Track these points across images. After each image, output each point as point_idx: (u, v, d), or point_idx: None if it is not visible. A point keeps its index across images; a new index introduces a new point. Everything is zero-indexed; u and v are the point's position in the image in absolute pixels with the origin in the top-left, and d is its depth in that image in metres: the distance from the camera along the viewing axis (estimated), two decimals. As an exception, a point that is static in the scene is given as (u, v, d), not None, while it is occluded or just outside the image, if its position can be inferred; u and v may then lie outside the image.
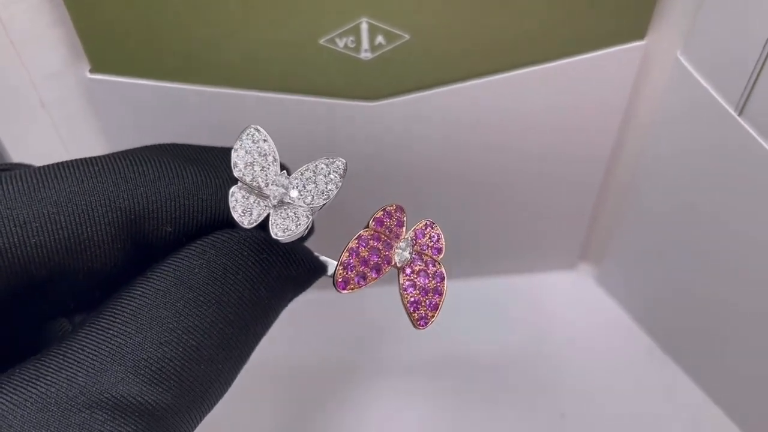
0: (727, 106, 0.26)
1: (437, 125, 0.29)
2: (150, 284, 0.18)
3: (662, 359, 0.36)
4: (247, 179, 0.19)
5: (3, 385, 0.17)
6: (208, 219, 0.19)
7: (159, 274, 0.18)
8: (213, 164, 0.20)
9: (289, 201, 0.19)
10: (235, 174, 0.19)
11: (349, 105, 0.28)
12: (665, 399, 0.35)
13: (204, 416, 0.19)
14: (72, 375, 0.17)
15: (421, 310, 0.19)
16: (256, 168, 0.19)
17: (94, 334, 0.17)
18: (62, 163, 0.18)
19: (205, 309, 0.18)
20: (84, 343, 0.17)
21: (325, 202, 0.19)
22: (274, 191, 0.19)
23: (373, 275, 0.19)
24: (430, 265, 0.19)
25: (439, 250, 0.20)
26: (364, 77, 0.27)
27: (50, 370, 0.17)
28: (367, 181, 0.32)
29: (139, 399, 0.17)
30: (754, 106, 0.25)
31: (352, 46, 0.26)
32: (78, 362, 0.17)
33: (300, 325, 0.36)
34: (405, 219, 0.20)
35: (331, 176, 0.19)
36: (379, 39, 0.26)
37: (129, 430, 0.17)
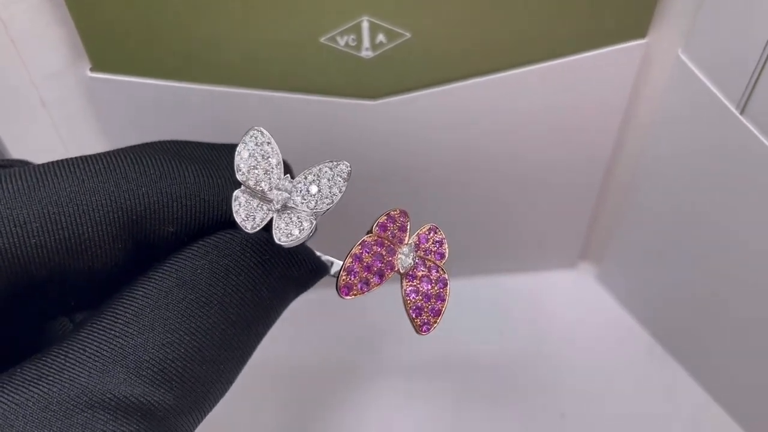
0: (728, 105, 0.26)
1: (438, 124, 0.29)
2: (152, 285, 0.18)
3: (663, 358, 0.36)
4: (251, 183, 0.19)
5: (4, 385, 0.17)
6: (210, 219, 0.19)
7: (161, 275, 0.18)
8: (215, 163, 0.20)
9: (293, 206, 0.19)
10: (239, 178, 0.19)
11: (350, 103, 0.28)
12: (666, 398, 0.35)
13: (205, 416, 0.19)
14: (74, 375, 0.17)
15: (424, 315, 0.19)
16: (260, 171, 0.19)
17: (96, 334, 0.17)
18: (62, 161, 0.18)
19: (208, 310, 0.18)
20: (86, 343, 0.17)
21: (329, 207, 0.19)
22: (277, 196, 0.19)
23: (376, 281, 0.19)
24: (433, 271, 0.19)
25: (442, 256, 0.20)
26: (365, 76, 0.27)
27: (52, 370, 0.17)
28: (367, 180, 0.31)
29: (142, 400, 0.17)
30: (756, 104, 0.25)
31: (353, 44, 0.26)
32: (80, 362, 0.17)
33: (300, 325, 0.36)
34: (409, 224, 0.19)
35: (336, 180, 0.19)
36: (380, 37, 0.26)
37: (131, 431, 0.17)
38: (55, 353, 0.17)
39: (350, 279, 0.19)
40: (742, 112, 0.25)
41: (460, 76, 0.27)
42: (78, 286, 0.19)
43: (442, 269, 0.20)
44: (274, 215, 0.19)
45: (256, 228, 0.18)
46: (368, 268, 0.19)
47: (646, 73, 0.28)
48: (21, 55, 0.27)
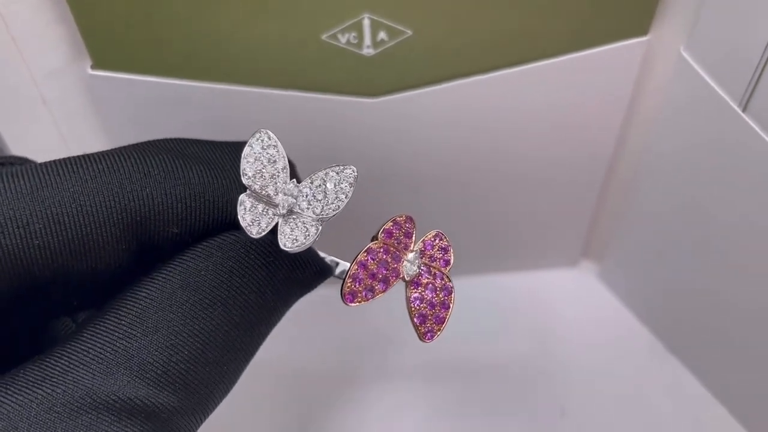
0: (730, 102, 0.26)
1: (439, 121, 0.29)
2: (156, 286, 0.18)
3: (664, 356, 0.36)
4: (256, 187, 0.18)
5: (8, 386, 0.17)
6: (214, 220, 0.19)
7: (165, 276, 0.18)
8: (219, 163, 0.19)
9: (299, 211, 0.18)
10: (244, 182, 0.18)
11: (351, 101, 0.28)
12: (667, 396, 0.35)
13: (207, 416, 0.19)
14: (78, 377, 0.17)
15: (428, 323, 0.19)
16: (266, 176, 0.18)
17: (99, 335, 0.17)
18: (65, 160, 0.18)
19: (211, 312, 0.18)
20: (89, 345, 0.17)
21: (335, 213, 0.18)
22: (283, 201, 0.18)
23: (381, 288, 0.19)
24: (438, 279, 0.19)
25: (447, 263, 0.20)
26: (366, 73, 0.27)
27: (56, 371, 0.17)
28: (368, 178, 0.31)
29: (146, 401, 0.17)
30: (758, 101, 0.25)
31: (355, 42, 0.26)
32: (84, 364, 0.17)
33: (303, 327, 0.36)
34: (414, 230, 0.19)
35: (342, 185, 0.18)
36: (382, 35, 0.26)
37: (135, 432, 0.17)
38: (58, 354, 0.17)
39: (355, 286, 0.18)
40: (744, 110, 0.25)
41: (461, 73, 0.27)
42: (81, 286, 0.19)
43: (447, 277, 0.19)
44: (280, 220, 0.18)
45: (261, 233, 0.18)
46: (373, 276, 0.18)
47: (649, 71, 0.28)
48: (22, 53, 0.26)
